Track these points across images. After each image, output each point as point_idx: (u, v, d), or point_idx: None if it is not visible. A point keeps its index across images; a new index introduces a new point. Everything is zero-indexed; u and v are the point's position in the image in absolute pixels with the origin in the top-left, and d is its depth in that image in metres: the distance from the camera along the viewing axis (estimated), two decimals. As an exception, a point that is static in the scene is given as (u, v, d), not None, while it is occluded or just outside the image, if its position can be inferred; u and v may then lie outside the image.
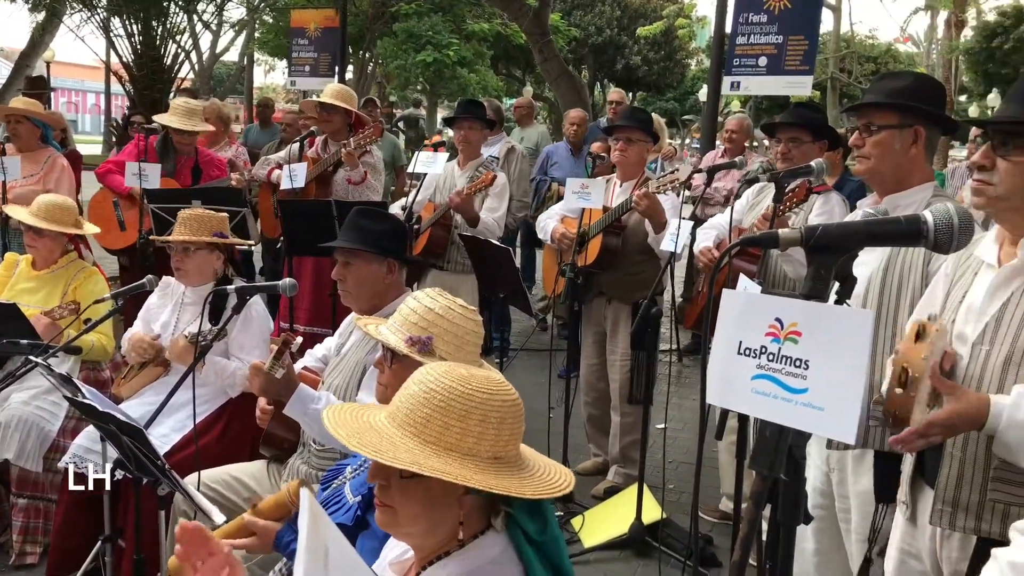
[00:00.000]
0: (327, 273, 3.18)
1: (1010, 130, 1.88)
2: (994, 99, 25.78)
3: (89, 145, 25.04)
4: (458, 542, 1.59)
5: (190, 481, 2.73)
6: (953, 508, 1.94)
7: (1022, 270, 1.91)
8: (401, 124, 13.19)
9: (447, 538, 1.59)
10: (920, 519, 2.05)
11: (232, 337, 3.45)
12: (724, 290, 1.54)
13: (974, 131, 5.92)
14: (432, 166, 4.98)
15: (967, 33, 27.61)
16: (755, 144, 7.52)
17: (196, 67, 22.83)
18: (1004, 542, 1.87)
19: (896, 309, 2.46)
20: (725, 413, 3.35)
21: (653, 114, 6.18)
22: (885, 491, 2.39)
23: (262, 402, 2.95)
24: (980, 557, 1.91)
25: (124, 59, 10.71)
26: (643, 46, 30.76)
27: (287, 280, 2.90)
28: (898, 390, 1.84)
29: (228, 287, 2.96)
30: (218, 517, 2.25)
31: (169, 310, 3.66)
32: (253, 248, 5.72)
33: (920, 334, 1.85)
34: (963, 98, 30.25)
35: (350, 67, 20.10)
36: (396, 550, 1.83)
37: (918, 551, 2.08)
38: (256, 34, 23.02)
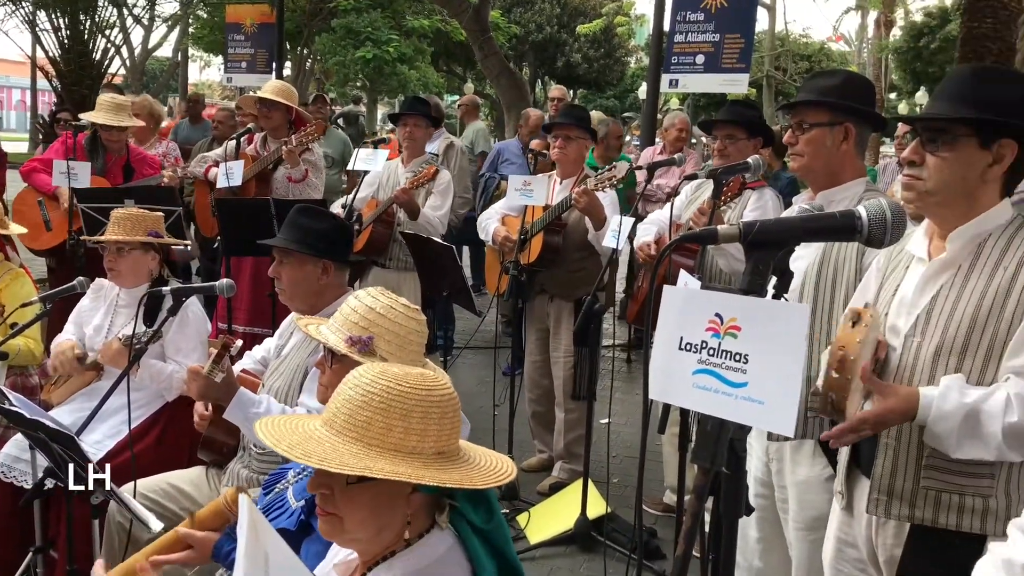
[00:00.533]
0: (267, 272, 3.13)
1: (937, 127, 1.93)
2: (922, 97, 26.58)
3: (15, 143, 24.22)
4: (404, 541, 1.57)
5: (126, 489, 2.65)
6: (888, 497, 1.99)
7: (951, 264, 1.97)
8: (340, 121, 13.03)
9: (394, 539, 1.58)
10: (856, 508, 2.11)
11: (168, 339, 3.37)
12: (664, 286, 1.55)
13: (901, 128, 6.10)
14: (372, 163, 4.93)
15: (896, 33, 28.45)
16: (693, 142, 7.63)
17: (127, 63, 22.24)
18: (936, 528, 1.93)
19: (831, 302, 2.52)
20: (668, 407, 3.38)
21: (598, 112, 6.22)
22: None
23: (200, 406, 2.88)
24: (913, 543, 1.97)
25: (51, 54, 10.36)
26: (583, 43, 30.96)
27: (224, 281, 2.84)
28: (835, 374, 1.87)
29: (163, 288, 2.89)
30: (155, 525, 2.20)
31: (102, 313, 3.56)
32: (190, 247, 5.59)
33: (856, 321, 1.89)
34: (893, 96, 31.13)
35: (288, 63, 19.81)
36: (341, 552, 1.81)
37: (854, 539, 2.13)
38: (190, 29, 22.53)
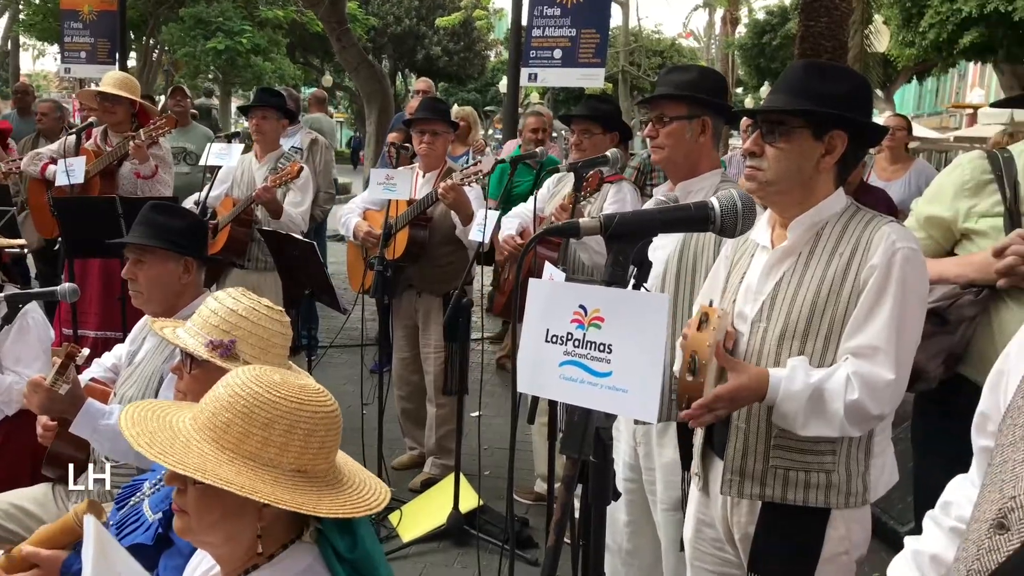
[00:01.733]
0: (117, 273, 2.96)
1: (774, 119, 2.03)
2: (766, 91, 27.84)
3: None
4: (268, 555, 1.52)
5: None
6: (740, 477, 2.08)
7: (792, 251, 2.08)
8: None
9: (249, 549, 1.52)
10: (712, 489, 2.19)
11: (5, 349, 3.14)
12: (530, 279, 1.56)
13: (746, 121, 6.42)
14: (227, 158, 4.74)
15: (741, 30, 29.87)
16: (555, 136, 7.75)
17: (-51, 51, 20.51)
18: (785, 506, 2.04)
19: (691, 290, 2.61)
20: (537, 397, 3.43)
21: (468, 107, 6.20)
22: (689, 459, 2.55)
23: (43, 419, 2.69)
24: (765, 520, 2.07)
25: None
26: (443, 36, 30.88)
27: (67, 285, 2.67)
28: (688, 377, 1.93)
29: (-3, 295, 2.69)
30: (-7, 550, 2.04)
31: (-74, 324, 3.27)
32: (27, 251, 5.20)
33: (703, 321, 1.95)
34: (740, 90, 32.62)
35: (132, 54, 18.80)
36: (203, 566, 1.73)
37: (711, 519, 2.22)
38: (20, 15, 21.00)
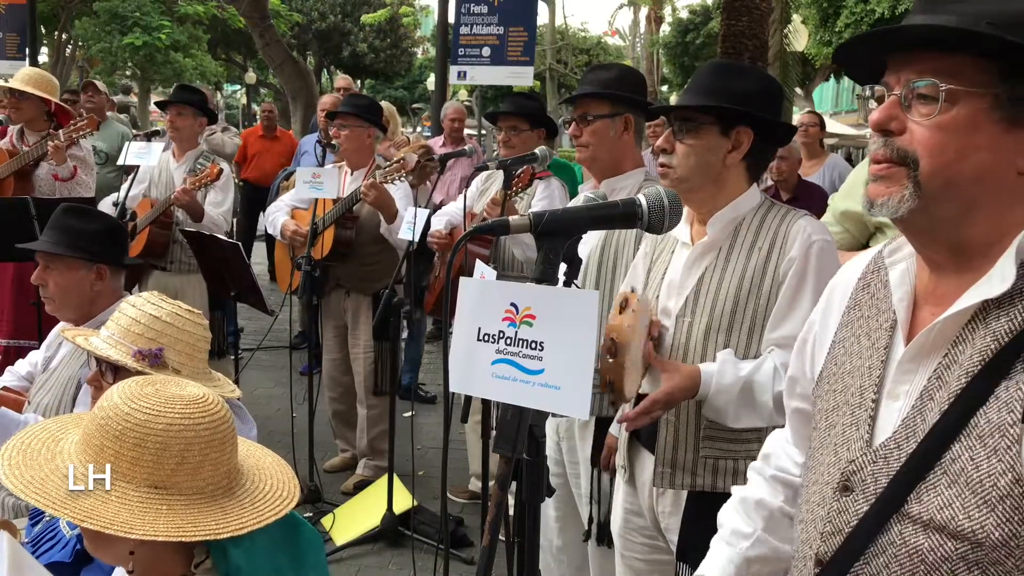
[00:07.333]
0: (30, 278, 2.84)
1: (684, 115, 2.09)
2: (689, 90, 28.35)
3: None
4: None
5: None
6: (672, 469, 2.11)
7: (712, 246, 2.13)
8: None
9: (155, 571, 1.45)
10: (638, 480, 2.23)
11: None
12: (461, 278, 1.55)
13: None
14: (146, 157, 4.59)
15: (665, 28, 30.33)
16: (483, 132, 7.75)
17: None
18: (713, 494, 2.08)
19: (612, 285, 2.65)
20: (470, 396, 3.42)
21: (384, 102, 6.13)
22: (599, 455, 2.57)
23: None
24: (693, 509, 2.10)
25: None
26: (369, 33, 30.55)
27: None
28: (609, 359, 1.95)
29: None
30: None
31: None
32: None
33: (623, 306, 1.98)
34: (665, 88, 33.10)
35: (44, 49, 18.13)
36: (126, 582, 1.67)
37: (640, 508, 2.25)
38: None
